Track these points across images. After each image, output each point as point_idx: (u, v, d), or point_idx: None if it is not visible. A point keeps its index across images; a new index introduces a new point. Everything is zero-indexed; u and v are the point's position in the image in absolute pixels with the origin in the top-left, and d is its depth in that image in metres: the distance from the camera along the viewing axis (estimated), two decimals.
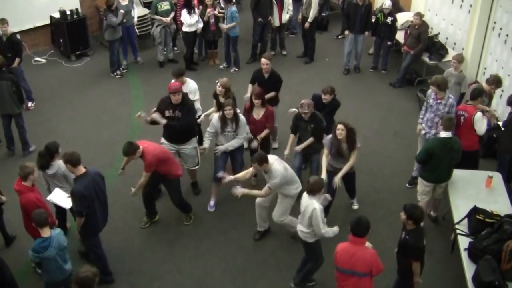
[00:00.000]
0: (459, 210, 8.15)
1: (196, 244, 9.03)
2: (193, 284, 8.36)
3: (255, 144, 9.43)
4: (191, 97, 9.65)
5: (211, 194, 9.69)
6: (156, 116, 9.00)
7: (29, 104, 12.31)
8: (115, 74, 13.71)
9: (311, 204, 7.31)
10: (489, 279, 6.76)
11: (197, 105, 10.01)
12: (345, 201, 9.62)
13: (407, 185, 10.10)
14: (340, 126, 8.41)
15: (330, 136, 8.70)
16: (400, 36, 13.53)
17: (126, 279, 8.38)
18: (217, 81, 9.78)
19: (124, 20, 13.21)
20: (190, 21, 13.23)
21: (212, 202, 9.67)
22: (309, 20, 13.79)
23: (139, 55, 14.43)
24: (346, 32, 13.51)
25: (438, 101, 9.37)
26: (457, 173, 8.85)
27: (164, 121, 8.96)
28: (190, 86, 9.93)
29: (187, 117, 8.99)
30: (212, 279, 8.45)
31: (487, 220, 7.68)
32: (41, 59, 14.51)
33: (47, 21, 14.66)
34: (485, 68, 12.20)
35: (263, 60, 10.19)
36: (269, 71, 10.25)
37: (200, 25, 13.39)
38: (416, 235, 6.86)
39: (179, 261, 8.72)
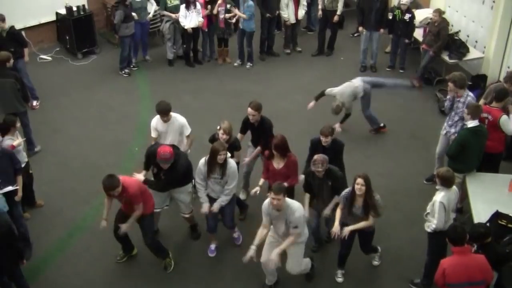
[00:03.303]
0: (480, 214, 7.85)
1: None
2: None
3: (256, 190, 8.27)
4: (185, 132, 8.75)
5: (210, 240, 8.64)
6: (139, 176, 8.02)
7: (34, 102, 11.98)
8: (124, 72, 13.35)
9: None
10: None
11: (185, 140, 8.92)
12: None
13: (424, 181, 9.86)
14: (359, 181, 7.24)
15: (344, 193, 7.55)
16: (418, 34, 13.13)
17: None
18: (218, 127, 8.38)
19: (136, 18, 12.99)
20: (186, 15, 12.98)
21: (212, 246, 8.56)
22: (339, 12, 13.69)
23: (148, 53, 14.08)
24: (360, 28, 13.17)
25: (458, 99, 9.06)
26: (478, 176, 8.67)
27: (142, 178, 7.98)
28: (178, 122, 8.70)
29: (176, 175, 7.97)
30: None
31: (510, 225, 7.44)
32: (47, 57, 14.16)
33: (53, 18, 14.34)
34: (508, 67, 11.75)
35: (249, 110, 8.65)
36: (258, 120, 8.77)
37: (201, 20, 13.04)
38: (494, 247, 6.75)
39: None
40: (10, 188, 7.97)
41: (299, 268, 7.59)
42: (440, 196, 7.28)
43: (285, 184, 7.47)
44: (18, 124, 8.79)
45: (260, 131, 8.83)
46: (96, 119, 11.78)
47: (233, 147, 8.39)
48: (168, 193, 8.27)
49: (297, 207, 7.10)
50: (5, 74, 9.91)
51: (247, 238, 8.28)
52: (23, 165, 8.72)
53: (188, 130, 8.78)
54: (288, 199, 7.11)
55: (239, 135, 8.93)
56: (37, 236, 8.75)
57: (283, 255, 7.40)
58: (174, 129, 8.65)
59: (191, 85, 12.92)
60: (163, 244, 8.23)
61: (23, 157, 8.78)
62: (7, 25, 11.37)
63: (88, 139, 11.11)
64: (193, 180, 8.32)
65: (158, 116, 8.57)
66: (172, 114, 8.58)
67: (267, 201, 7.17)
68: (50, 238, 8.78)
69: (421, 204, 8.10)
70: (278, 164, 8.09)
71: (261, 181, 8.31)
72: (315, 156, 7.70)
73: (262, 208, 7.28)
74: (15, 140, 8.53)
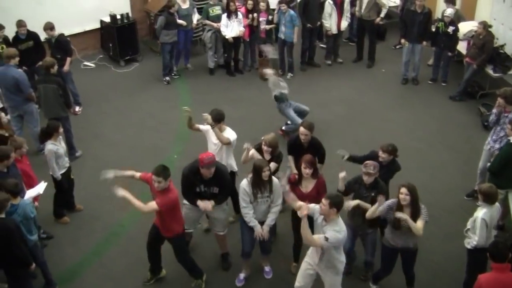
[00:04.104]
0: None
1: None
2: None
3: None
4: (229, 149, 8.50)
5: (242, 267, 8.26)
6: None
7: (77, 108, 12.16)
8: (164, 79, 13.48)
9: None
10: None
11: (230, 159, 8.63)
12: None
13: (465, 197, 9.65)
14: (403, 190, 6.95)
15: (389, 202, 7.25)
16: (462, 47, 12.94)
17: None
18: (262, 138, 8.14)
19: (185, 24, 13.13)
20: (228, 25, 13.05)
21: (241, 276, 8.16)
22: (382, 15, 13.72)
23: (189, 61, 14.18)
24: (403, 40, 13.04)
25: (506, 114, 8.85)
26: None
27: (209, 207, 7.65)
28: (229, 137, 8.42)
29: (227, 191, 7.79)
30: None
31: None
32: (90, 64, 14.37)
33: (97, 25, 14.56)
34: None
35: (301, 129, 8.35)
36: (308, 141, 8.45)
37: (242, 29, 13.08)
38: None
39: None
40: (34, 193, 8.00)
41: None
42: (482, 212, 7.11)
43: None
44: (61, 130, 8.92)
45: (311, 152, 8.09)
46: (136, 125, 11.87)
47: (276, 160, 8.09)
48: (201, 212, 7.94)
49: (343, 229, 6.64)
50: (49, 80, 10.08)
51: (276, 269, 8.22)
52: (64, 170, 8.87)
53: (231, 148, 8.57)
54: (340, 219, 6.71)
55: (289, 157, 8.58)
56: (75, 239, 8.88)
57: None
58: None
59: (231, 94, 12.95)
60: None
61: (64, 162, 8.90)
62: (56, 33, 11.64)
63: (128, 145, 11.20)
64: (229, 199, 8.13)
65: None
66: (227, 128, 8.46)
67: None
68: (88, 242, 8.86)
69: (460, 220, 7.98)
70: (306, 187, 7.65)
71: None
72: (368, 161, 7.46)
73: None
74: (57, 145, 8.65)
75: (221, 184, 7.60)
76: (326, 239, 6.49)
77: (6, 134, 8.91)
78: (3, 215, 6.89)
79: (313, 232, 6.69)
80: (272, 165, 7.87)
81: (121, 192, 7.10)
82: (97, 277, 8.23)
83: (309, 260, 7.09)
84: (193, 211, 7.86)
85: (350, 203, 7.39)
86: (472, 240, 7.21)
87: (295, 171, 8.02)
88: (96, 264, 8.48)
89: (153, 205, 7.12)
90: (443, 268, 8.18)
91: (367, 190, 7.42)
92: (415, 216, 6.98)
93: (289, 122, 11.02)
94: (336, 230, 6.53)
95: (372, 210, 7.18)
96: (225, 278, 8.25)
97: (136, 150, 11.01)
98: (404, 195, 6.94)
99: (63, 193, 9.09)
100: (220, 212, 7.92)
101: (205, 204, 7.57)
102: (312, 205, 6.80)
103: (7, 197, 7.00)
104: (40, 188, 8.10)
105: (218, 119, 8.28)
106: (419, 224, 6.95)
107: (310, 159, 7.52)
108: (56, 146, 8.64)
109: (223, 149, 8.38)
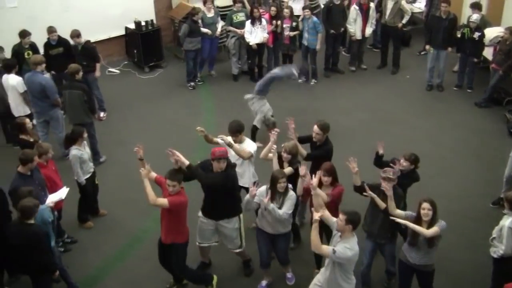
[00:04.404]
0: None
1: None
2: None
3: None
4: (251, 161, 8.42)
5: (264, 276, 8.20)
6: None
7: (101, 114, 12.27)
8: (189, 85, 13.56)
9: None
10: None
11: (252, 169, 8.57)
12: None
13: (490, 204, 9.52)
14: (426, 205, 6.75)
15: (410, 214, 7.05)
16: (488, 53, 12.81)
17: None
18: (282, 145, 8.05)
19: (210, 33, 13.24)
20: (252, 31, 13.11)
21: (263, 283, 8.10)
22: (404, 21, 13.62)
23: (214, 68, 14.21)
24: (427, 46, 12.95)
25: None
26: None
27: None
28: (249, 148, 8.38)
29: (233, 172, 7.64)
30: None
31: None
32: (115, 70, 14.50)
33: (122, 32, 14.68)
34: None
35: (315, 128, 8.34)
36: (321, 141, 8.45)
37: (266, 36, 13.09)
38: None
39: None
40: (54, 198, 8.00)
41: None
42: (508, 221, 7.01)
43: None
44: (85, 135, 8.99)
45: (319, 152, 8.37)
46: (159, 131, 11.92)
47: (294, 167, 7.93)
48: (216, 227, 7.84)
49: (354, 246, 6.48)
50: (74, 86, 10.18)
51: (298, 272, 8.16)
52: (89, 175, 8.94)
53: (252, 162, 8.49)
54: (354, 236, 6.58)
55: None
56: (98, 244, 8.94)
57: None
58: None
59: None
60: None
61: (89, 167, 8.97)
62: (83, 40, 11.81)
63: (151, 151, 11.10)
64: (241, 215, 7.87)
65: None
66: (247, 139, 8.45)
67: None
68: (111, 247, 8.91)
69: (485, 228, 7.86)
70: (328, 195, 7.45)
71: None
72: (386, 168, 7.34)
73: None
74: (81, 151, 8.73)
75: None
76: (334, 251, 6.38)
77: (31, 140, 9.00)
78: (32, 221, 6.94)
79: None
80: (288, 169, 7.84)
81: (145, 174, 7.40)
82: (120, 282, 8.27)
83: (320, 276, 6.96)
84: (207, 224, 7.80)
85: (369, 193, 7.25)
86: (499, 249, 7.11)
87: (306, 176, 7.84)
88: (119, 269, 8.52)
89: (163, 200, 7.20)
90: (468, 278, 8.06)
91: (384, 196, 7.20)
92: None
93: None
94: (347, 247, 6.41)
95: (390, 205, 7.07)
96: (247, 285, 8.23)
97: (159, 156, 10.93)
98: (427, 210, 6.75)
99: (87, 198, 9.17)
100: (231, 229, 7.78)
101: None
102: (333, 218, 6.73)
103: (36, 203, 7.06)
104: (62, 193, 8.14)
105: (239, 130, 8.29)
106: (432, 229, 6.77)
107: (329, 167, 7.44)
108: (80, 151, 8.72)
109: (245, 163, 8.37)
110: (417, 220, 6.86)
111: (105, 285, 8.24)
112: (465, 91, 13.10)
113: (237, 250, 8.01)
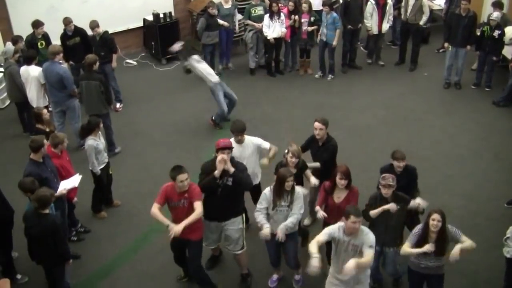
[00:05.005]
0: None
1: None
2: None
3: (320, 214, 7.45)
4: (264, 146, 8.26)
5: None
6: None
7: (118, 105, 12.32)
8: None
9: None
10: None
11: (258, 168, 8.44)
12: None
13: (505, 204, 9.39)
14: (436, 216, 6.55)
15: (419, 226, 6.90)
16: (507, 51, 12.67)
17: None
18: (286, 150, 7.82)
19: (227, 25, 13.28)
20: (270, 25, 13.07)
21: (275, 277, 8.01)
22: (421, 22, 13.51)
23: (230, 61, 14.19)
24: (446, 44, 12.83)
25: None
26: None
27: (231, 169, 7.26)
28: (253, 144, 8.22)
29: (246, 178, 7.41)
30: None
31: None
32: (132, 61, 14.55)
33: (140, 24, 14.72)
34: None
35: (316, 124, 8.11)
36: (324, 137, 8.24)
37: (284, 30, 13.05)
38: None
39: None
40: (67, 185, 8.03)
41: None
42: None
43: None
44: (101, 125, 9.02)
45: (322, 151, 8.21)
46: (176, 124, 11.94)
47: (302, 169, 7.89)
48: (217, 232, 7.72)
49: (363, 227, 6.53)
50: (91, 77, 10.21)
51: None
52: (103, 166, 8.97)
53: (267, 144, 8.28)
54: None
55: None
56: (112, 235, 8.97)
57: None
58: (249, 154, 8.16)
59: (271, 95, 12.95)
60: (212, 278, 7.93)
61: (103, 158, 9.00)
62: (101, 30, 11.89)
63: (167, 143, 11.26)
64: (243, 215, 7.73)
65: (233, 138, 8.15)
66: (246, 136, 8.20)
67: (338, 224, 6.61)
68: (125, 238, 8.94)
69: (501, 228, 7.77)
70: (338, 198, 7.36)
71: (318, 210, 7.48)
72: (384, 174, 7.21)
73: (328, 231, 6.62)
74: (97, 141, 8.77)
75: (235, 176, 7.26)
76: (371, 246, 6.37)
77: (47, 130, 9.04)
78: (47, 211, 6.96)
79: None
80: (313, 180, 7.81)
81: (179, 227, 6.94)
82: (134, 273, 8.29)
83: (334, 275, 6.83)
84: (208, 225, 7.63)
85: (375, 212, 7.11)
86: None
87: (313, 180, 7.87)
88: (133, 260, 8.54)
89: (199, 204, 7.03)
90: (483, 278, 7.97)
91: (386, 202, 7.09)
92: (440, 242, 6.64)
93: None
94: (366, 233, 6.46)
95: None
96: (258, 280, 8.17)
97: (175, 148, 11.07)
98: (436, 221, 6.56)
99: (102, 188, 9.20)
100: (234, 230, 7.61)
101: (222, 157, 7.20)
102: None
103: (52, 192, 7.10)
104: (75, 180, 8.15)
105: (244, 130, 8.13)
106: (463, 245, 6.67)
107: (345, 170, 7.24)
108: (96, 141, 8.75)
109: (251, 158, 8.20)
110: (425, 230, 6.69)
111: (118, 276, 8.26)
112: (483, 89, 12.97)
113: (239, 252, 7.79)
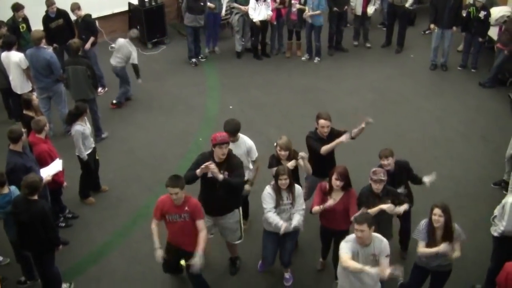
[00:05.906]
0: None
1: None
2: None
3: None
4: (252, 156, 8.03)
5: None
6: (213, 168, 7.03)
7: (99, 89, 12.09)
8: (191, 61, 13.53)
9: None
10: None
11: (251, 166, 8.19)
12: None
13: (492, 184, 9.50)
14: (437, 211, 6.45)
15: (424, 222, 6.80)
16: (493, 33, 12.70)
17: None
18: (275, 144, 7.70)
19: (213, 6, 13.18)
20: (256, 8, 13.00)
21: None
22: (408, 5, 13.55)
23: (217, 45, 14.14)
24: (432, 26, 12.84)
25: None
26: None
27: (220, 177, 7.06)
28: (246, 145, 7.98)
29: (239, 176, 7.29)
30: None
31: None
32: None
33: (126, 8, 14.58)
34: None
35: (322, 122, 7.82)
36: (329, 132, 7.96)
37: (269, 13, 13.01)
38: None
39: None
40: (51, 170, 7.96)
41: None
42: (511, 198, 6.97)
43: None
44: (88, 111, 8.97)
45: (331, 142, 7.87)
46: (163, 108, 11.88)
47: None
48: (214, 222, 7.59)
49: (376, 234, 6.32)
50: (78, 62, 10.13)
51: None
52: (90, 151, 8.92)
53: (255, 155, 8.06)
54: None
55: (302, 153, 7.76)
56: (101, 220, 8.96)
57: None
58: (241, 152, 7.86)
59: (259, 79, 12.91)
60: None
61: (90, 143, 8.95)
62: (83, 13, 11.73)
63: (154, 128, 11.21)
64: (240, 208, 7.68)
65: None
66: (241, 135, 7.98)
67: (352, 235, 6.30)
68: (114, 224, 8.93)
69: (488, 209, 7.84)
70: (334, 200, 7.13)
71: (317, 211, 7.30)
72: (375, 168, 7.08)
73: (345, 246, 6.28)
74: (83, 126, 8.70)
75: (230, 167, 7.18)
76: (388, 256, 6.21)
77: (35, 116, 8.95)
78: (36, 197, 6.93)
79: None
80: (292, 163, 7.61)
81: (197, 261, 6.75)
82: (123, 259, 8.30)
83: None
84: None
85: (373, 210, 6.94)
86: (500, 226, 7.08)
87: (308, 166, 7.73)
88: (122, 245, 8.55)
89: (202, 224, 6.89)
90: (470, 258, 7.98)
91: (380, 200, 6.98)
92: (446, 238, 6.57)
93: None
94: (380, 240, 6.27)
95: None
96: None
97: (162, 133, 11.03)
98: (437, 216, 6.47)
99: (89, 173, 9.15)
100: (233, 223, 7.59)
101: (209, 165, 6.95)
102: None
103: (40, 177, 7.08)
104: (57, 165, 8.04)
105: (238, 130, 7.85)
106: (456, 252, 6.68)
107: (342, 171, 7.07)
108: (83, 127, 8.69)
109: (242, 158, 7.79)
110: (430, 225, 6.62)
111: (108, 261, 8.26)
112: (469, 71, 13.02)
113: (237, 242, 7.80)
